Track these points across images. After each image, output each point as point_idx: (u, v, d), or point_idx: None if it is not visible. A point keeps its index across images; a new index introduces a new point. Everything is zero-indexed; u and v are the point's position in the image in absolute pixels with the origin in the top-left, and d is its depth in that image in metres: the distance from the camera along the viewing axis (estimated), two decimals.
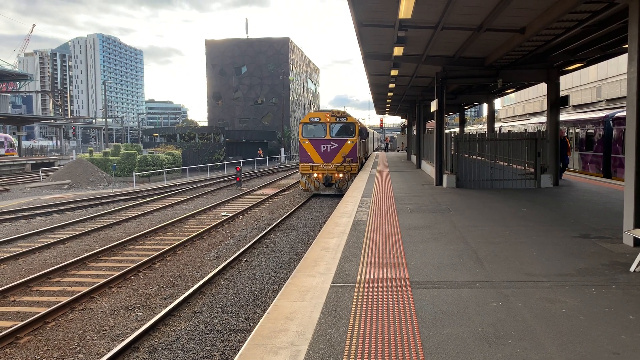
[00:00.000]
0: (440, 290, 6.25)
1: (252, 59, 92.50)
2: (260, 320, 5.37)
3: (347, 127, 26.79)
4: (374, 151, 62.80)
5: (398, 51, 15.11)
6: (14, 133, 72.59)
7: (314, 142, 26.60)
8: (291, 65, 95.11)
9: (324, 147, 26.54)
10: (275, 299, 6.06)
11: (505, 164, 18.18)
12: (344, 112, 26.93)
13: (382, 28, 13.48)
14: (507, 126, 41.82)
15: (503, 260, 7.59)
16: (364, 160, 35.55)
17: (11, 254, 14.76)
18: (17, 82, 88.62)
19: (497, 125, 42.70)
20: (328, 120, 26.63)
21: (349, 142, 26.53)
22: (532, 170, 17.55)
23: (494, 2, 10.91)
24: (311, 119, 27.00)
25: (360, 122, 30.58)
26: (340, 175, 26.64)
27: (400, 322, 5.21)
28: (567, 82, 46.67)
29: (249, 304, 10.28)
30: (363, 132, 33.51)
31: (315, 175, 26.82)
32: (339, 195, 25.07)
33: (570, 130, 27.12)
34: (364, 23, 12.97)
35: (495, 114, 44.11)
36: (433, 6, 11.37)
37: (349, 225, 10.76)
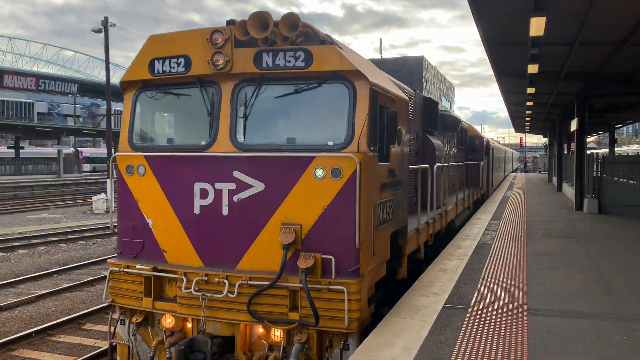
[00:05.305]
0: (559, 319, 5.98)
1: None
2: (370, 334, 5.58)
3: (323, 90, 5.45)
4: (512, 172, 59.80)
5: (532, 69, 14.57)
6: None
7: (164, 174, 5.81)
8: (425, 83, 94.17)
9: (204, 192, 5.58)
10: (386, 315, 6.24)
11: None
12: (295, 19, 5.20)
13: (512, 46, 13.15)
14: None
15: (638, 294, 7.01)
16: (460, 217, 14.33)
17: None
18: None
19: None
20: (221, 63, 5.46)
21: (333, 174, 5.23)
22: None
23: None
24: (158, 67, 5.80)
25: (409, 90, 9.34)
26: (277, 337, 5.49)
27: (510, 347, 5.12)
28: None
29: None
30: (460, 131, 15.36)
31: (169, 321, 5.84)
32: None
33: None
34: (493, 41, 12.76)
35: None
36: (566, 22, 10.89)
37: (472, 248, 10.55)
